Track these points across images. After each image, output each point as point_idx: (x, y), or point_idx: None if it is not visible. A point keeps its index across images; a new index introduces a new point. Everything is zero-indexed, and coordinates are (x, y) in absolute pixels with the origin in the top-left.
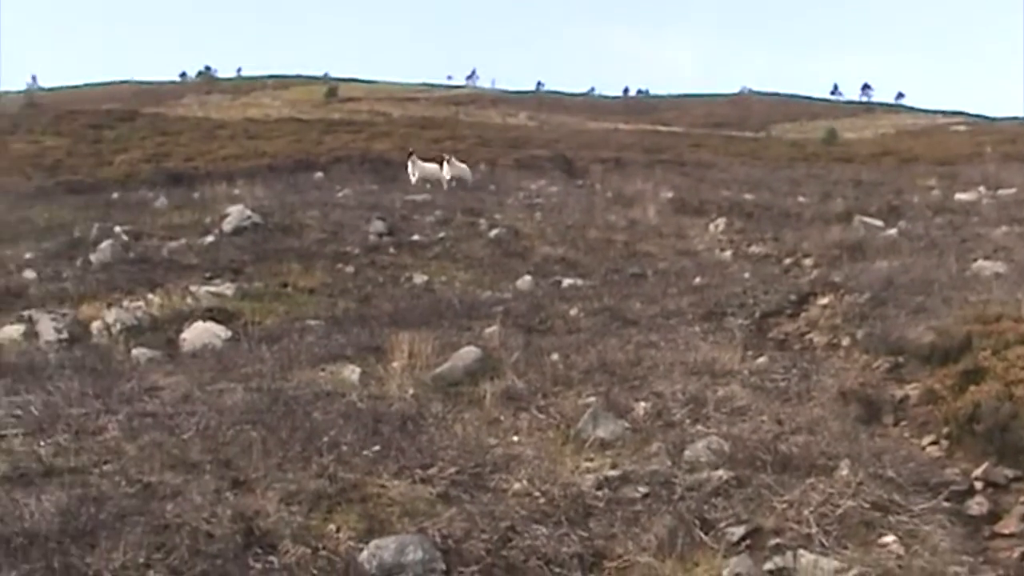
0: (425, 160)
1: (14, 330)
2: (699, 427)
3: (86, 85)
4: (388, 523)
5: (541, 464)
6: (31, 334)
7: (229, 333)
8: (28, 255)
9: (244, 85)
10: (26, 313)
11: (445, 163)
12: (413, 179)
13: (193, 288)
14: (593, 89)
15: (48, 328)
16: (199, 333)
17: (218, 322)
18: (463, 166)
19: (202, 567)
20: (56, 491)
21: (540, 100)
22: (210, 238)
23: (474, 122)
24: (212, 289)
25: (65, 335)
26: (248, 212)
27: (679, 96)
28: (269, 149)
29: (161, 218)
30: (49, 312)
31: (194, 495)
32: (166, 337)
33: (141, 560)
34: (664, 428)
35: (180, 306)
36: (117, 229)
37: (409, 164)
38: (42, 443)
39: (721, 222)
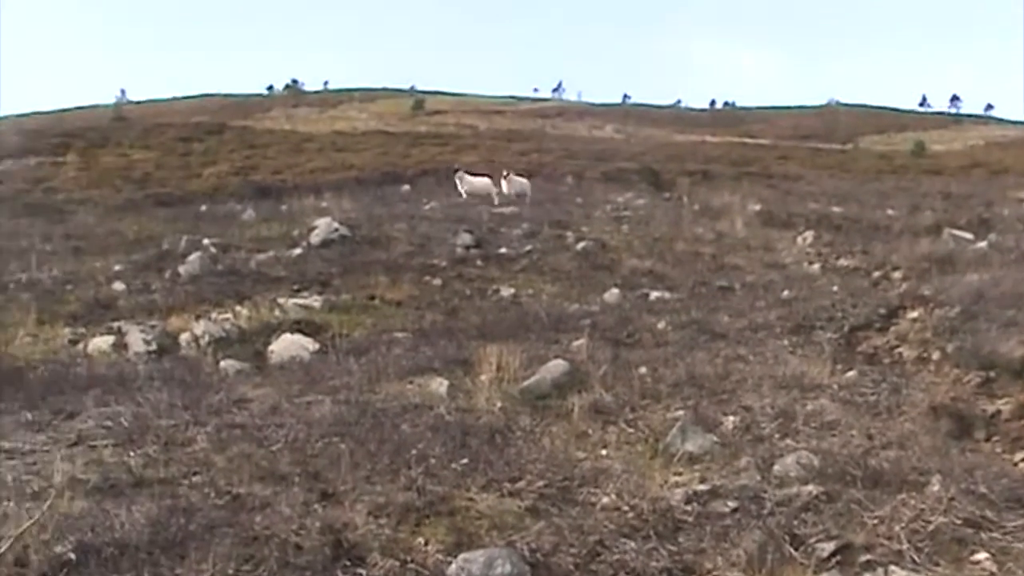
0: (475, 175)
1: (104, 341)
2: (788, 441)
3: (174, 98)
4: (476, 536)
5: (630, 478)
6: (120, 345)
7: (317, 345)
8: (117, 267)
9: (331, 98)
10: (115, 325)
11: (503, 180)
12: (464, 193)
13: (281, 300)
14: (680, 101)
15: (137, 340)
16: (287, 345)
17: (306, 334)
18: (522, 180)
19: None
20: (146, 502)
21: (627, 113)
22: (298, 250)
23: (561, 135)
24: (300, 301)
25: (154, 347)
26: (336, 225)
27: (766, 108)
28: (356, 162)
29: (249, 230)
30: (138, 324)
31: (283, 507)
32: (254, 349)
33: (230, 572)
34: (753, 442)
35: (268, 318)
36: (205, 241)
37: (457, 181)
38: (132, 454)
39: (809, 235)
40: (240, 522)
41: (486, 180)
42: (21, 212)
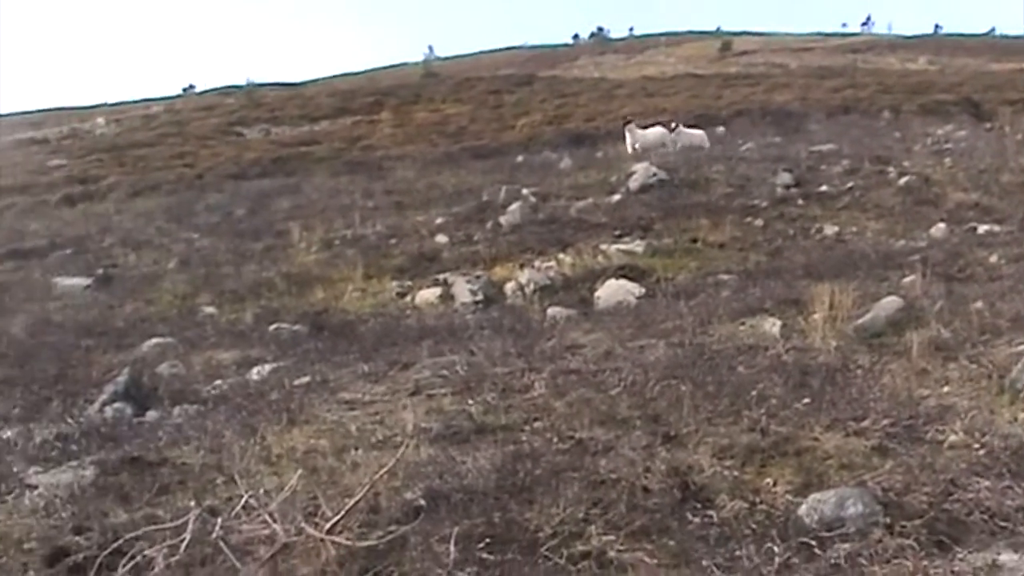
0: (646, 127)
1: (431, 293)
2: None
3: (480, 52)
4: (825, 476)
5: (977, 415)
6: (447, 297)
7: (642, 290)
8: (439, 220)
9: (637, 44)
10: (441, 276)
11: (673, 132)
12: (631, 149)
13: (603, 246)
14: (994, 29)
15: (463, 290)
16: (613, 291)
17: (630, 279)
18: (695, 131)
19: (640, 522)
20: (489, 448)
21: (939, 43)
22: (617, 196)
23: (872, 69)
24: (622, 247)
25: (480, 296)
26: (654, 169)
27: None
28: (668, 106)
29: (566, 179)
30: (463, 275)
31: (626, 450)
32: (580, 296)
33: (580, 515)
34: None
35: (591, 265)
36: (524, 191)
37: (627, 134)
38: (471, 402)
39: None
40: (585, 466)
41: (658, 130)
42: (342, 170)
